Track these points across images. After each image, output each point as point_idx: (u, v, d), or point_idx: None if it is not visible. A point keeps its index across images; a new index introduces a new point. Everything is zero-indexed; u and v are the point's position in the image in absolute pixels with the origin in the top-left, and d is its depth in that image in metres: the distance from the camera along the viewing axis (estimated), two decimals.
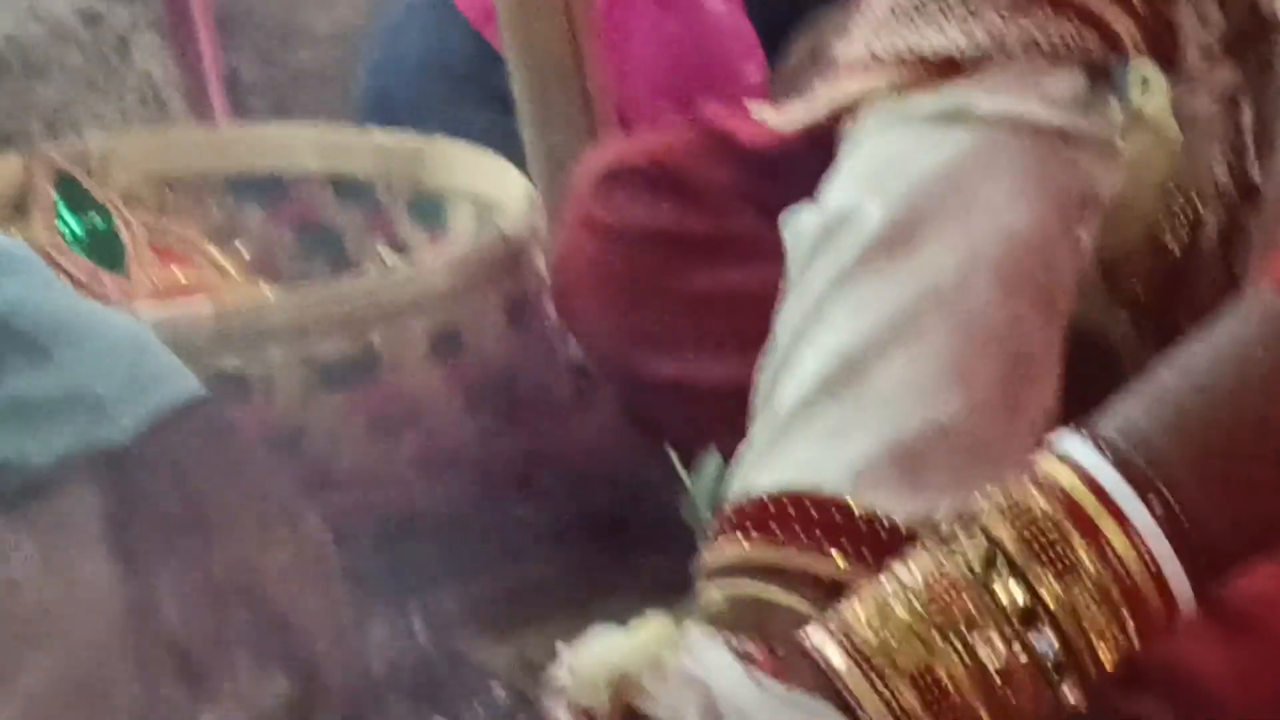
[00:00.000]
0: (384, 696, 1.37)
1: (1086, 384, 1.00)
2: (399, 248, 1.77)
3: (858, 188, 1.05)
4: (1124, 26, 1.07)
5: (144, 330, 1.25)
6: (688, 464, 1.42)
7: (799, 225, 1.04)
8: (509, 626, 1.41)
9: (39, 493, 1.17)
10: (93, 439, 1.16)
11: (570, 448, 1.65)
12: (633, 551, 1.46)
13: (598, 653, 0.85)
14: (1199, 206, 1.22)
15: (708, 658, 0.83)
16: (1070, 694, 0.83)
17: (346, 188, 1.82)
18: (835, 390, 0.98)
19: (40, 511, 1.16)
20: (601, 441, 1.65)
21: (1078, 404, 0.94)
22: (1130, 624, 0.83)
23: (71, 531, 1.16)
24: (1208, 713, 1.10)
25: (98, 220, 1.76)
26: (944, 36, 1.05)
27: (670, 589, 1.06)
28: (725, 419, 1.10)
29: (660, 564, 1.24)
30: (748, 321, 1.10)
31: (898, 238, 1.02)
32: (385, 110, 2.01)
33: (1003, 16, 1.04)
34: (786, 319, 1.03)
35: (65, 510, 1.16)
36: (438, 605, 1.45)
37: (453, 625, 1.44)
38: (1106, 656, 0.84)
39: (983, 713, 0.82)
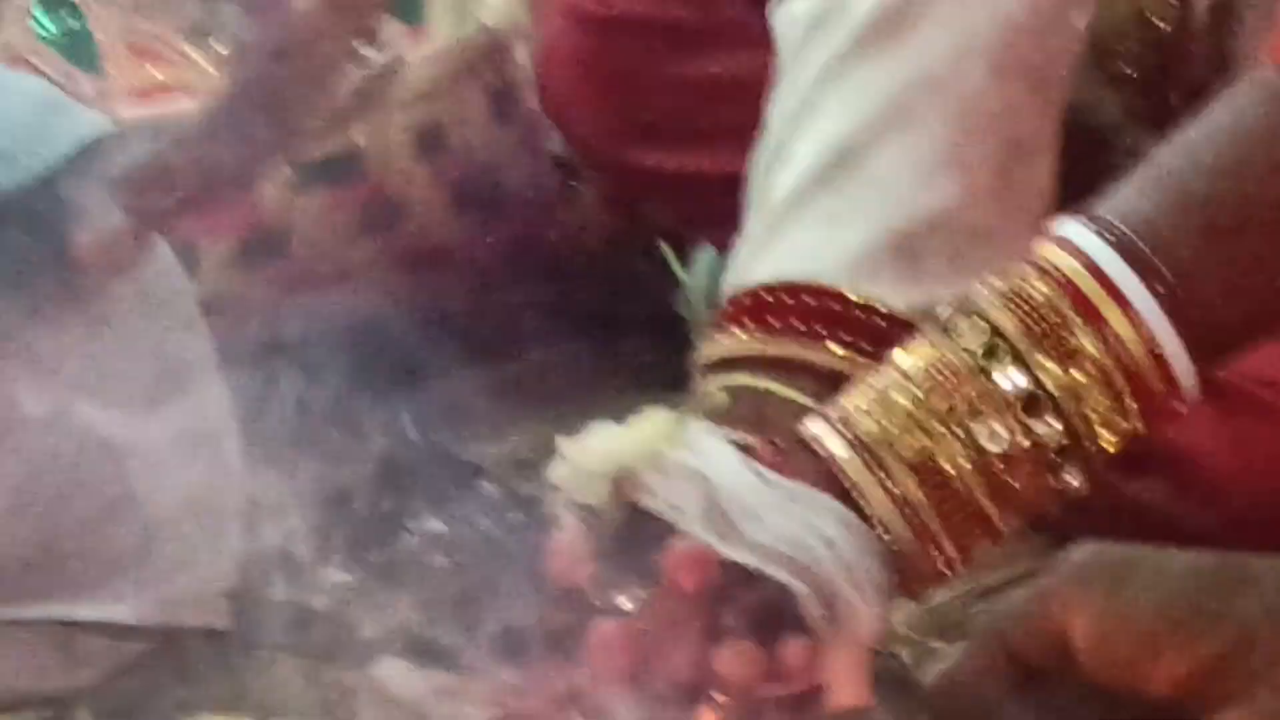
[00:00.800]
0: (373, 495, 1.39)
1: (1077, 167, 1.01)
2: (378, 43, 1.70)
3: None
4: None
5: (46, 85, 1.31)
6: (680, 258, 1.41)
7: (790, 12, 1.04)
8: (499, 423, 1.42)
9: None
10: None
11: (558, 241, 1.64)
12: (624, 346, 1.48)
13: (596, 447, 0.85)
14: None
15: (708, 451, 0.83)
16: (1072, 478, 0.83)
17: None
18: (830, 179, 0.98)
19: None
20: (589, 235, 1.65)
21: (1068, 188, 0.95)
22: (1132, 407, 0.83)
23: None
24: (1207, 492, 1.11)
25: (71, 19, 1.72)
26: None
27: (664, 383, 1.04)
28: (718, 211, 1.10)
29: (652, 358, 1.22)
30: (738, 110, 1.10)
31: (889, 23, 1.02)
32: None
33: None
34: (779, 108, 1.03)
35: None
36: (427, 402, 1.46)
37: (442, 422, 1.45)
38: (1108, 440, 0.83)
39: (984, 499, 0.82)
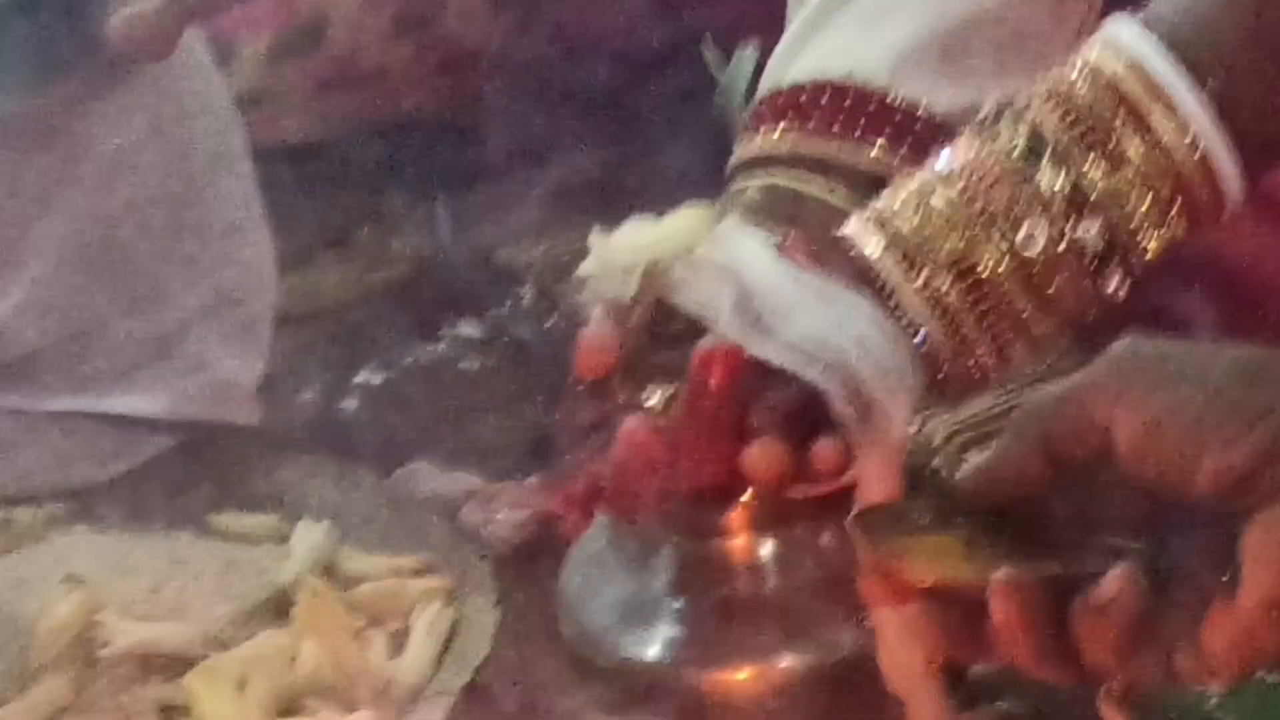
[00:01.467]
0: (407, 297, 1.38)
1: None
2: None
3: None
4: None
5: None
6: (726, 60, 1.41)
7: None
8: (538, 226, 1.42)
9: None
10: None
11: (604, 41, 1.63)
12: (669, 151, 1.46)
13: (627, 241, 0.85)
14: None
15: (741, 247, 0.83)
16: (1112, 283, 0.82)
17: None
18: None
19: None
20: (638, 37, 1.64)
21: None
22: (1176, 212, 0.82)
23: None
24: (1254, 304, 1.11)
25: None
26: None
27: (707, 189, 1.03)
28: (765, 10, 1.08)
29: (700, 165, 1.21)
30: None
31: None
32: None
33: None
34: None
35: None
36: (463, 205, 1.47)
37: (479, 225, 1.46)
38: (1151, 246, 0.82)
39: (1021, 302, 0.81)
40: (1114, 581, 0.63)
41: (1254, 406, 0.63)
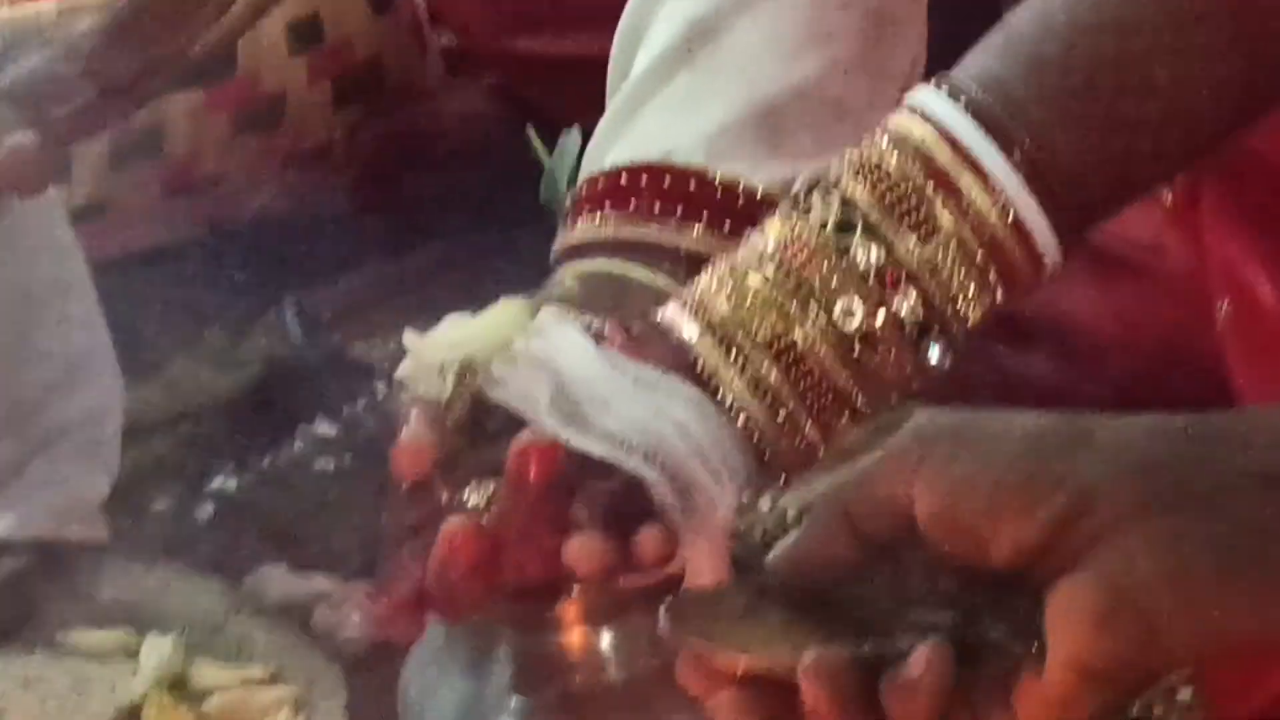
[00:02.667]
0: (260, 400, 1.38)
1: (967, 35, 1.00)
2: None
3: None
4: None
5: None
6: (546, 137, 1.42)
7: None
8: (390, 321, 1.39)
9: None
10: None
11: (443, 134, 1.63)
12: (515, 237, 1.45)
13: (442, 339, 0.85)
14: None
15: (558, 338, 0.81)
16: (934, 354, 0.82)
17: None
18: (688, 56, 0.96)
19: None
20: (474, 126, 1.65)
21: (955, 61, 0.94)
22: (993, 279, 0.82)
23: None
24: (1092, 362, 1.12)
25: None
26: None
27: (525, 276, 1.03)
28: (595, 92, 1.08)
29: (545, 245, 1.23)
30: None
31: None
32: None
33: None
34: None
35: None
36: (314, 303, 1.47)
37: (331, 322, 1.45)
38: (970, 313, 0.83)
39: (843, 379, 0.81)
40: (921, 658, 0.63)
41: (1048, 475, 0.63)
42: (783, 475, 0.84)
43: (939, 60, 0.96)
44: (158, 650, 1.09)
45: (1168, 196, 1.02)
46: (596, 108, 1.05)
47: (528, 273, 1.03)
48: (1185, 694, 0.98)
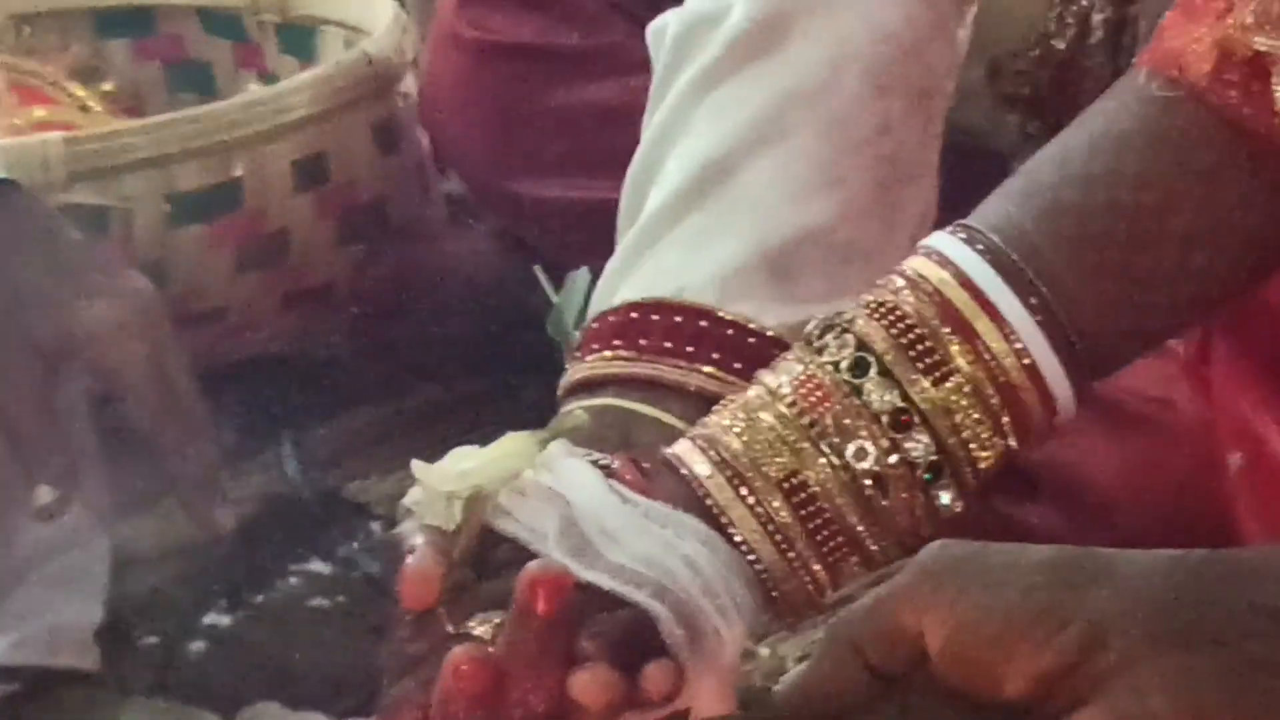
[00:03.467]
0: (255, 537, 1.37)
1: (975, 190, 1.02)
2: (270, 80, 1.76)
3: None
4: None
5: None
6: (556, 279, 1.46)
7: (662, 29, 1.06)
8: (387, 461, 1.43)
9: None
10: None
11: (447, 275, 1.66)
12: (516, 381, 1.49)
13: (450, 470, 0.86)
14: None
15: (568, 472, 0.83)
16: (946, 496, 0.84)
17: (214, 19, 1.82)
18: (700, 197, 0.99)
19: None
20: (479, 269, 1.68)
21: (966, 212, 0.97)
22: (1007, 424, 0.85)
23: None
24: (1099, 514, 1.14)
25: None
26: None
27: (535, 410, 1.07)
28: (602, 238, 1.11)
29: (547, 393, 1.25)
30: (621, 136, 1.12)
31: (762, 37, 1.03)
32: None
33: None
34: (651, 126, 1.04)
35: None
36: (312, 442, 1.49)
37: (329, 461, 1.47)
38: (983, 458, 0.85)
39: (855, 519, 0.83)
40: None
41: (1061, 608, 0.64)
42: (788, 612, 0.87)
43: (948, 213, 0.99)
44: None
45: (1180, 349, 1.05)
46: (602, 252, 1.08)
47: (528, 415, 1.04)
48: None
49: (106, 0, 1.88)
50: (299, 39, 1.76)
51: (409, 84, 1.60)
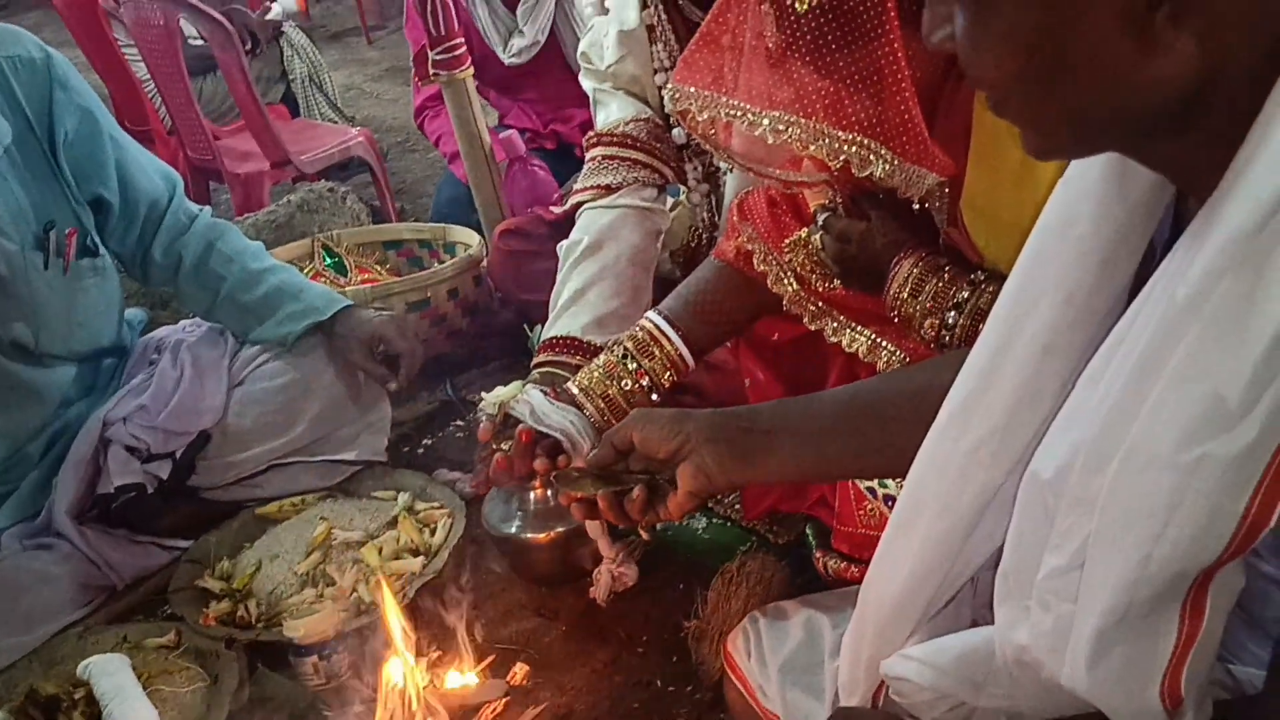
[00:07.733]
0: (440, 414, 2.50)
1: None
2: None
3: (580, 231, 2.02)
4: (668, 173, 2.12)
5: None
6: (532, 328, 2.41)
7: (565, 244, 2.03)
8: (482, 388, 2.21)
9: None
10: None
11: (492, 325, 2.84)
12: (515, 363, 2.65)
13: (494, 393, 1.77)
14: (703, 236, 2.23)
15: (533, 393, 1.71)
16: (655, 396, 1.66)
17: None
18: (573, 303, 1.92)
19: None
20: (504, 324, 2.82)
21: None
22: (672, 367, 1.65)
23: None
24: (701, 401, 2.00)
25: (338, 258, 3.01)
26: (610, 177, 2.06)
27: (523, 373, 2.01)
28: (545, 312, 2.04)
29: (525, 367, 2.07)
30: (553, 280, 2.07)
31: (591, 248, 2.00)
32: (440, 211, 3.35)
33: (627, 168, 2.04)
34: (558, 281, 2.00)
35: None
36: (457, 380, 2.72)
37: (463, 386, 2.67)
38: (665, 379, 1.66)
39: (622, 403, 1.64)
40: (636, 491, 1.26)
41: (677, 429, 1.22)
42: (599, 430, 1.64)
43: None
44: None
45: (729, 343, 1.89)
46: (547, 314, 1.99)
47: (519, 375, 1.97)
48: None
49: (394, 236, 3.13)
50: (449, 251, 3.02)
51: (483, 265, 2.83)
